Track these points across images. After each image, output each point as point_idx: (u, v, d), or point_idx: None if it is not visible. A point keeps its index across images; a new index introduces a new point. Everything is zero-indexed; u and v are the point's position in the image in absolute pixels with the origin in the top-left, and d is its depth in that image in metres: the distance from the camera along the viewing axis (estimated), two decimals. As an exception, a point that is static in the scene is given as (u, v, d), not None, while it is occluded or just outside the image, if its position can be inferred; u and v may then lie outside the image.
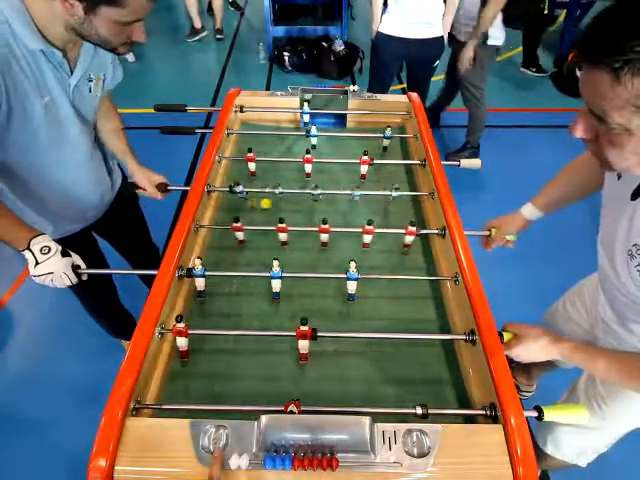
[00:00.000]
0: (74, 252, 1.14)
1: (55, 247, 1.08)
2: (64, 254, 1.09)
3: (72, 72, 1.14)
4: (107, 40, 1.03)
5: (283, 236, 1.33)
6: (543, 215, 1.29)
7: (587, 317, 1.32)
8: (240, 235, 1.34)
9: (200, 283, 1.17)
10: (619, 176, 0.94)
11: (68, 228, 1.40)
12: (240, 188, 1.40)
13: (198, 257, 1.15)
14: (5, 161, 1.14)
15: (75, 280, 1.11)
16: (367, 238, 1.32)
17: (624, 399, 1.13)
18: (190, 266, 1.16)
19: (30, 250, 1.06)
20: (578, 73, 0.72)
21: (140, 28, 1.05)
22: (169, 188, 1.47)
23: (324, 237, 1.33)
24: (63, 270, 1.08)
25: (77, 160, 1.28)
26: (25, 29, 0.99)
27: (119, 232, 1.69)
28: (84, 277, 1.14)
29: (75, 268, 1.11)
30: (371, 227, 1.28)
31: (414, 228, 1.28)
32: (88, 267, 1.16)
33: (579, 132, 0.75)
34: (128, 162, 1.46)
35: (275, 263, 1.13)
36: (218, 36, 5.07)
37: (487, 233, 1.34)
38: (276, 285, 1.17)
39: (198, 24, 4.96)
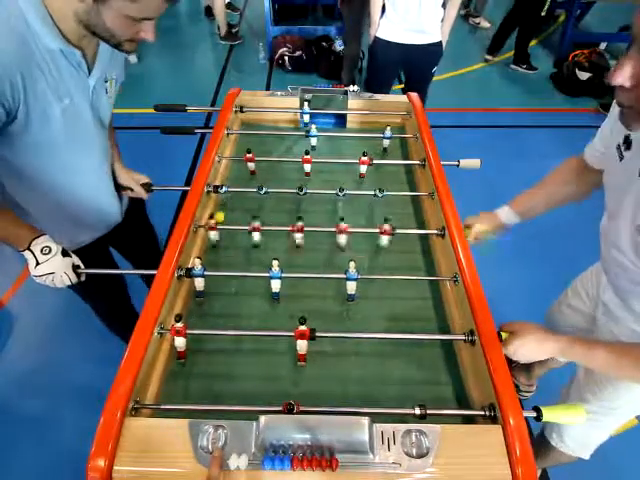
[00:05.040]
0: (90, 264, 1.14)
1: (56, 247, 1.08)
2: (64, 254, 1.09)
3: (90, 73, 1.10)
4: (113, 33, 0.97)
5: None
6: (519, 221, 1.28)
7: (589, 302, 1.30)
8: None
9: (199, 283, 1.17)
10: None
11: (83, 238, 1.35)
12: (225, 189, 1.41)
13: (198, 257, 1.15)
14: (24, 167, 1.10)
15: (75, 280, 1.11)
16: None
17: (625, 386, 1.13)
18: (190, 266, 1.16)
19: (31, 250, 1.06)
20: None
21: (150, 26, 0.99)
22: (153, 188, 1.48)
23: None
24: (64, 270, 1.08)
25: (96, 166, 1.25)
26: (43, 26, 0.94)
27: (131, 242, 1.65)
28: (83, 277, 1.15)
29: (75, 268, 1.12)
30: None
31: (388, 226, 1.28)
32: (103, 278, 1.15)
33: (620, 78, 0.67)
34: (115, 164, 1.43)
35: (274, 263, 1.13)
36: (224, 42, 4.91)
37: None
38: (275, 285, 1.17)
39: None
